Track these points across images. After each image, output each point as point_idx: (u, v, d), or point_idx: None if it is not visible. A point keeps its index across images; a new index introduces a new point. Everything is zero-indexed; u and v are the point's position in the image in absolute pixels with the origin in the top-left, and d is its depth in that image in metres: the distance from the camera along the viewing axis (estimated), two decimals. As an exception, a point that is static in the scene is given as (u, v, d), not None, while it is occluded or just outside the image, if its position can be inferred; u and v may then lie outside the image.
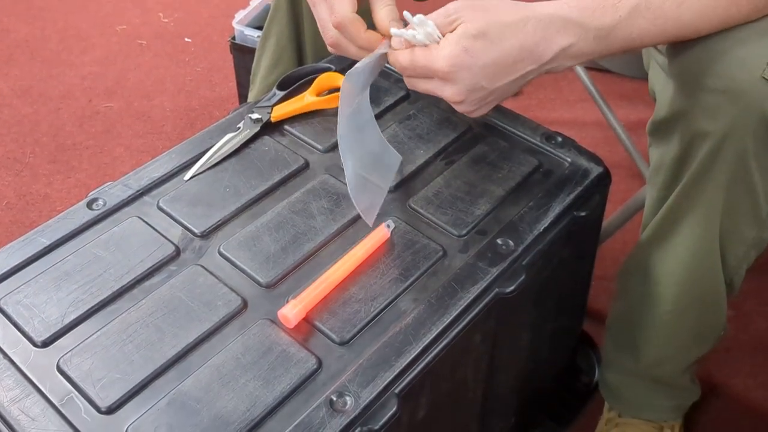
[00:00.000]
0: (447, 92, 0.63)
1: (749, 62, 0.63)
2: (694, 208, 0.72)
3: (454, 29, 0.60)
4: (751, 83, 0.62)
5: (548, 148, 0.80)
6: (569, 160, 0.78)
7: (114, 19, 1.74)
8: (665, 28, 0.63)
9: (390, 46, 0.65)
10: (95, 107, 1.50)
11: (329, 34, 0.67)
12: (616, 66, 1.48)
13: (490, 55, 0.60)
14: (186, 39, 1.69)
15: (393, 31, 0.64)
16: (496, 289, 0.67)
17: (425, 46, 0.62)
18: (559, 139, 0.80)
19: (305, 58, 0.98)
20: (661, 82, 0.72)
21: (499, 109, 0.85)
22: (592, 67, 1.47)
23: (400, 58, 0.64)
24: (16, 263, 0.69)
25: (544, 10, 0.61)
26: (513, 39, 0.60)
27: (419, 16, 0.61)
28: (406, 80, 0.66)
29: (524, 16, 0.60)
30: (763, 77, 0.62)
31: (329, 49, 0.69)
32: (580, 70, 1.33)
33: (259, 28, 1.34)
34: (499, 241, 0.70)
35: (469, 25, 0.60)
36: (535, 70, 0.62)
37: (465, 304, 0.65)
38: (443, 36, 0.61)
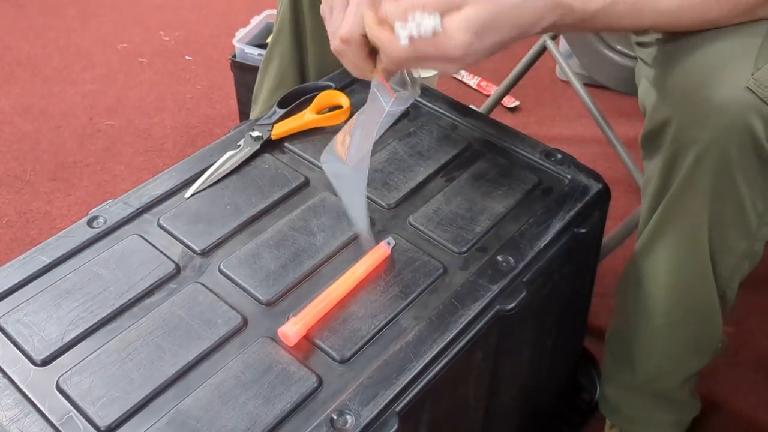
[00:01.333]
0: (449, 69, 0.63)
1: (734, 72, 0.63)
2: (681, 218, 0.72)
3: (462, 8, 0.60)
4: (735, 93, 0.63)
5: (548, 165, 0.80)
6: (569, 176, 0.79)
7: (115, 38, 1.75)
8: (643, 15, 0.65)
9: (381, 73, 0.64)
10: (96, 125, 1.51)
11: (336, 42, 0.67)
12: (615, 83, 1.48)
13: (493, 39, 0.61)
14: (187, 57, 1.70)
15: (398, 29, 0.61)
16: (497, 307, 0.67)
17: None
18: (559, 155, 0.81)
19: (308, 78, 0.99)
20: (650, 95, 0.73)
21: (498, 126, 0.85)
22: (591, 84, 1.47)
23: (415, 50, 0.61)
24: (16, 281, 0.68)
25: None
26: (514, 20, 0.61)
27: (426, 20, 0.60)
28: (396, 64, 0.64)
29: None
30: (748, 88, 0.63)
31: (333, 50, 0.68)
32: (579, 87, 1.34)
33: (260, 46, 1.35)
34: (499, 258, 0.70)
35: (479, 8, 0.59)
36: (517, 39, 0.64)
37: (466, 321, 0.65)
38: (443, 16, 0.60)
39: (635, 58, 0.83)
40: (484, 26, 0.60)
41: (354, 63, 0.67)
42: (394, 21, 0.61)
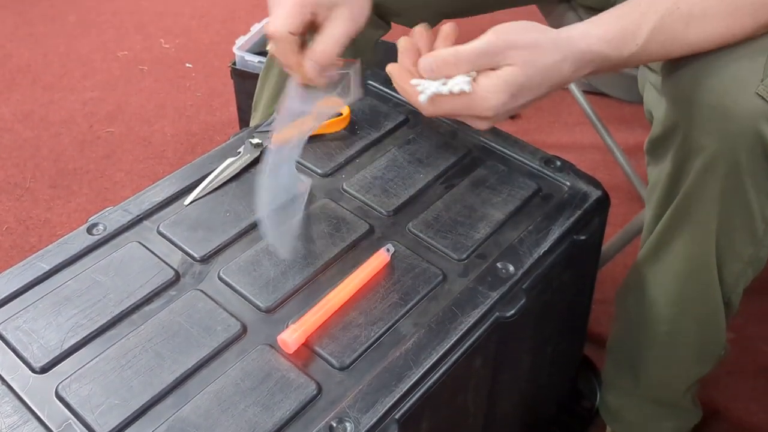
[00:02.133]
0: (480, 125, 0.63)
1: (743, 78, 0.64)
2: (689, 225, 0.72)
3: (499, 68, 0.60)
4: (745, 99, 0.63)
5: (547, 172, 0.80)
6: (568, 183, 0.79)
7: (115, 45, 1.76)
8: (672, 48, 0.65)
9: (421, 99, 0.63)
10: (96, 132, 1.51)
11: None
12: (614, 90, 1.48)
13: (530, 96, 0.62)
14: (187, 65, 1.70)
15: (422, 88, 0.61)
16: (497, 313, 0.67)
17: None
18: (558, 163, 0.81)
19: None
20: (656, 101, 0.73)
21: (498, 134, 0.85)
22: (590, 91, 1.48)
23: (442, 108, 0.62)
24: (16, 288, 0.68)
25: (577, 44, 0.62)
26: (552, 79, 0.62)
27: (459, 78, 0.60)
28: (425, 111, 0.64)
29: (563, 56, 0.61)
30: (757, 93, 0.63)
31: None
32: (578, 95, 1.34)
33: (260, 54, 1.36)
34: (499, 265, 0.70)
35: (517, 71, 0.60)
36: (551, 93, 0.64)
37: (465, 328, 0.65)
38: (478, 72, 0.60)
39: (635, 66, 0.84)
40: (521, 87, 0.60)
41: (286, 61, 0.67)
42: (423, 77, 0.61)
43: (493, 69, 0.61)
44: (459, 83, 0.60)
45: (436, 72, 0.61)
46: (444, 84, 0.61)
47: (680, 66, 0.67)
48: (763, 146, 0.64)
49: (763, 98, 0.63)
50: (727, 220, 0.70)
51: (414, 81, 0.62)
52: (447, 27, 0.67)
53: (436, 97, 0.61)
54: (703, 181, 0.68)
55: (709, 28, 0.64)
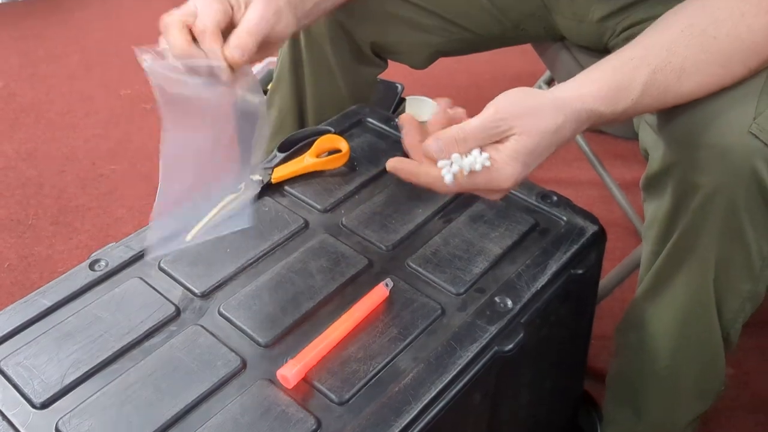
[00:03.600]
0: (493, 197, 0.65)
1: (737, 117, 0.65)
2: (688, 261, 0.73)
3: (506, 139, 0.62)
4: (739, 138, 0.64)
5: (544, 207, 0.81)
6: (565, 218, 0.79)
7: (119, 84, 1.78)
8: (665, 100, 0.67)
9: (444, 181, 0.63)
10: (98, 169, 1.52)
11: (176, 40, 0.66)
12: (609, 128, 1.50)
13: (540, 160, 0.64)
14: (189, 102, 1.72)
15: (443, 168, 0.62)
16: (495, 348, 0.67)
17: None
18: (555, 198, 0.82)
19: (307, 123, 1.01)
20: (651, 139, 0.74)
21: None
22: (587, 128, 1.49)
23: (463, 186, 0.63)
24: (17, 324, 0.69)
25: (574, 105, 0.64)
26: (556, 142, 0.64)
27: (475, 154, 0.61)
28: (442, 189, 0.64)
29: (564, 118, 0.63)
30: (751, 132, 0.64)
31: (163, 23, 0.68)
32: (574, 131, 1.35)
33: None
34: (497, 299, 0.71)
35: (525, 139, 0.61)
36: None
37: (464, 362, 0.65)
38: (488, 143, 0.62)
39: (630, 118, 0.85)
40: (530, 154, 0.62)
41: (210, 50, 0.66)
42: (438, 160, 0.62)
43: (499, 142, 0.62)
44: (480, 160, 0.61)
45: (445, 152, 0.62)
46: (467, 163, 0.61)
47: (675, 108, 0.69)
48: (758, 184, 0.65)
49: (756, 137, 0.64)
50: (725, 257, 0.71)
51: (440, 163, 0.62)
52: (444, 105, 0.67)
53: (456, 177, 0.62)
54: (701, 219, 0.69)
55: (701, 79, 0.66)
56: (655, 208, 0.74)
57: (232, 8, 0.68)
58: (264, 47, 0.69)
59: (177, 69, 0.65)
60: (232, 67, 0.66)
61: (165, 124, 0.66)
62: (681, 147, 0.69)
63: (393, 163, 0.66)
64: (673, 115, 0.69)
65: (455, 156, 0.61)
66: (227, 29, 0.67)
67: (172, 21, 0.66)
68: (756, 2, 0.65)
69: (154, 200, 1.51)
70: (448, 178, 0.62)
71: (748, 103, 0.66)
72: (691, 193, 0.68)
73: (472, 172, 0.62)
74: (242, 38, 0.66)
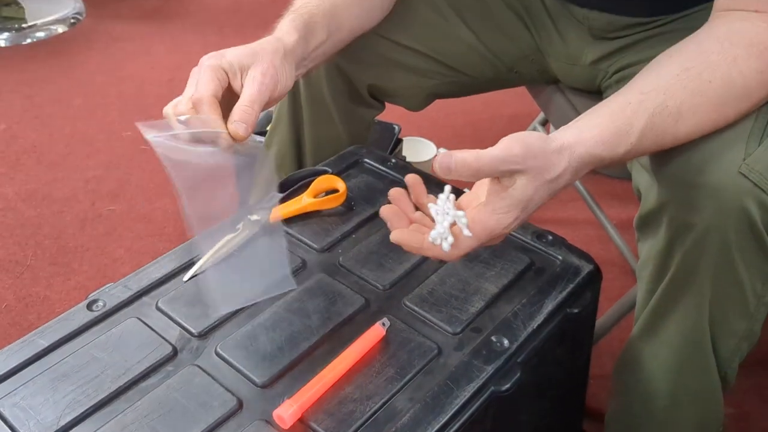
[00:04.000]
0: (496, 242, 0.66)
1: (727, 158, 0.66)
2: (683, 300, 0.73)
3: (510, 186, 0.62)
4: (729, 178, 0.65)
5: (539, 247, 0.82)
6: (560, 258, 0.80)
7: (120, 126, 1.80)
8: (663, 143, 0.68)
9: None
10: (98, 210, 1.53)
11: (180, 108, 0.69)
12: (604, 169, 1.52)
13: (537, 205, 0.65)
14: (189, 144, 1.74)
15: (438, 240, 0.63)
16: (492, 387, 0.67)
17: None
18: (550, 237, 0.83)
19: (305, 164, 1.02)
20: (644, 179, 0.75)
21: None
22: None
23: (465, 250, 0.64)
24: (14, 365, 0.69)
25: (577, 151, 0.65)
26: (555, 189, 0.65)
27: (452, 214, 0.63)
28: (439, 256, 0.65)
29: (567, 165, 0.64)
30: (740, 172, 0.65)
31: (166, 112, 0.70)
32: (570, 171, 1.37)
33: (260, 133, 1.39)
34: (493, 338, 0.71)
35: (527, 185, 0.62)
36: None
37: (461, 402, 0.65)
38: (498, 181, 0.63)
39: (629, 161, 0.86)
40: (530, 201, 0.63)
41: (211, 122, 0.68)
42: (432, 221, 0.64)
43: (503, 189, 0.63)
44: (462, 223, 0.63)
45: (454, 172, 0.61)
46: (444, 221, 0.63)
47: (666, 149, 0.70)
48: (749, 223, 0.66)
49: (746, 177, 0.65)
50: (720, 296, 0.72)
51: (432, 237, 0.63)
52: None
53: (454, 245, 0.63)
54: (695, 258, 0.70)
55: (697, 122, 0.67)
56: (649, 248, 0.75)
57: (228, 75, 0.70)
58: (265, 105, 0.72)
59: (180, 138, 0.67)
60: (236, 140, 0.68)
61: (177, 186, 0.69)
62: (673, 187, 0.70)
63: (397, 236, 0.65)
64: (665, 156, 0.71)
65: (438, 222, 0.63)
66: (226, 96, 0.70)
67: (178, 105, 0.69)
68: (746, 46, 0.67)
69: (152, 241, 1.51)
70: (445, 246, 0.63)
71: (737, 144, 0.67)
72: (685, 232, 0.69)
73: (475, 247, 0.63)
74: (245, 112, 0.68)
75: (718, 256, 0.68)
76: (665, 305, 0.76)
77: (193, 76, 0.70)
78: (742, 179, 0.65)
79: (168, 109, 0.70)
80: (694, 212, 0.68)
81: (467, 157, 0.61)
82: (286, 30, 0.77)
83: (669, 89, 0.67)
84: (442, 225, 0.63)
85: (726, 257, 0.68)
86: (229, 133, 0.68)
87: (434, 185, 0.91)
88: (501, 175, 0.62)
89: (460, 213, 0.63)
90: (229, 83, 0.71)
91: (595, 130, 0.66)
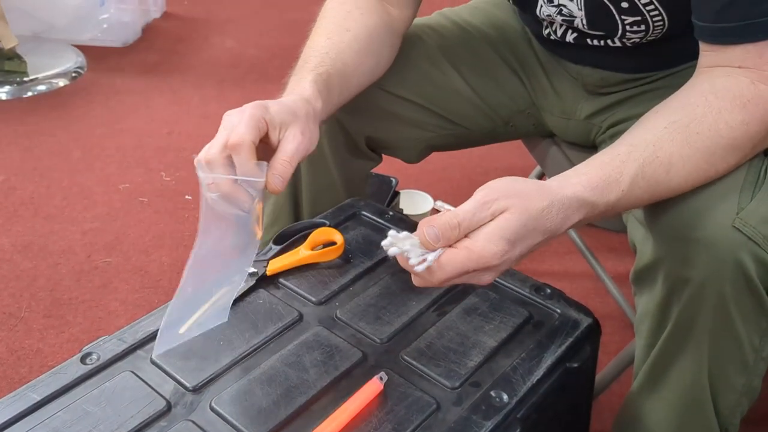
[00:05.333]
0: (485, 279, 0.64)
1: (720, 213, 0.67)
2: (681, 355, 0.73)
3: (494, 218, 0.62)
4: (723, 232, 0.66)
5: (538, 300, 0.81)
6: (559, 311, 0.80)
7: (117, 179, 1.81)
8: (656, 193, 0.68)
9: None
10: (93, 262, 1.53)
11: (212, 151, 0.69)
12: (601, 222, 1.53)
13: (527, 244, 0.64)
14: (186, 197, 1.75)
15: (413, 262, 0.63)
16: (491, 444, 0.66)
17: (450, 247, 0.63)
18: (548, 290, 0.82)
19: (302, 216, 1.02)
20: (639, 233, 0.76)
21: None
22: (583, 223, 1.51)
23: (448, 273, 0.62)
24: (5, 420, 0.67)
25: (563, 191, 0.65)
26: (543, 225, 0.64)
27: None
28: (428, 281, 0.64)
29: (550, 202, 0.64)
30: (734, 226, 0.65)
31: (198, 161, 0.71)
32: (567, 224, 1.37)
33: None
34: (492, 393, 0.70)
35: (509, 217, 0.62)
36: (547, 242, 0.66)
37: (460, 459, 0.64)
38: (478, 226, 0.62)
39: (623, 212, 0.87)
40: (516, 234, 0.62)
41: (242, 168, 0.69)
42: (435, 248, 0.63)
43: (487, 224, 0.62)
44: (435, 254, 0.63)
45: (443, 239, 0.62)
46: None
47: (660, 201, 0.70)
48: (744, 276, 0.66)
49: (739, 230, 0.66)
50: (718, 351, 0.71)
51: (412, 261, 0.63)
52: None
53: (438, 265, 0.63)
54: (692, 313, 0.70)
55: (688, 172, 0.68)
56: (646, 302, 0.75)
57: (267, 127, 0.71)
58: None
59: (220, 187, 0.69)
60: (271, 191, 0.70)
61: (202, 226, 0.70)
62: (669, 241, 0.70)
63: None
64: (659, 210, 0.71)
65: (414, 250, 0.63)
66: (259, 147, 0.71)
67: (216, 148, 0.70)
68: (730, 99, 0.68)
69: (147, 294, 1.50)
70: (421, 268, 0.62)
71: (730, 198, 0.68)
72: (681, 286, 0.69)
73: (453, 257, 0.62)
74: (284, 166, 0.70)
75: (715, 310, 0.68)
76: (664, 360, 0.75)
77: (229, 119, 0.71)
78: (736, 233, 0.66)
79: (201, 156, 0.70)
80: (690, 267, 0.68)
81: (446, 219, 0.62)
82: (311, 93, 0.78)
83: (658, 141, 0.68)
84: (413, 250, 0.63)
85: (723, 312, 0.68)
86: (266, 184, 0.69)
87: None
88: (484, 222, 0.62)
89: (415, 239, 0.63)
90: (267, 135, 0.71)
91: (582, 176, 0.67)
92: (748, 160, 0.71)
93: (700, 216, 0.67)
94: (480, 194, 0.63)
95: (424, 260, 0.63)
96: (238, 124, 0.69)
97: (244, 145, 0.68)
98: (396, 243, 0.64)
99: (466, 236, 0.63)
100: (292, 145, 0.71)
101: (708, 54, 0.72)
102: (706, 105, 0.68)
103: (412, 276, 0.65)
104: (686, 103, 0.70)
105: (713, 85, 0.70)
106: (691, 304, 0.69)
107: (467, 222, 0.62)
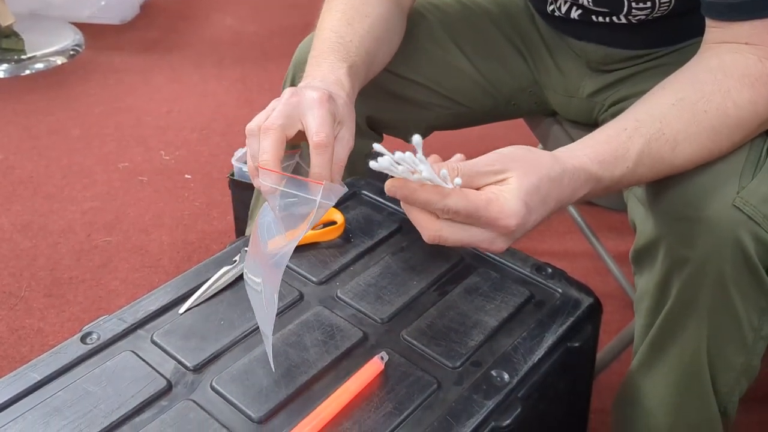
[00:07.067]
0: (497, 245, 0.61)
1: (721, 192, 0.66)
2: (680, 335, 0.73)
3: (504, 181, 0.60)
4: (723, 211, 0.65)
5: (539, 279, 0.81)
6: (560, 290, 0.79)
7: (117, 157, 1.80)
8: (660, 171, 0.68)
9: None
10: (93, 241, 1.52)
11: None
12: (602, 200, 1.52)
13: (541, 211, 0.62)
14: (186, 176, 1.74)
15: (426, 175, 0.58)
16: (492, 423, 0.66)
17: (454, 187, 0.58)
18: (549, 270, 0.82)
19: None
20: (639, 212, 0.75)
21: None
22: (586, 199, 1.51)
23: (453, 203, 0.58)
24: (5, 399, 0.68)
25: (571, 162, 0.64)
26: (555, 193, 0.62)
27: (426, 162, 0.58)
28: (431, 234, 0.60)
29: (561, 170, 0.62)
30: (734, 205, 0.65)
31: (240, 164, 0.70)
32: (568, 203, 1.37)
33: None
34: (493, 372, 0.70)
35: (524, 180, 0.59)
36: (549, 216, 0.64)
37: (460, 438, 0.64)
38: (481, 188, 0.60)
39: (627, 188, 0.86)
40: (532, 195, 0.60)
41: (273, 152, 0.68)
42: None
43: (500, 182, 0.60)
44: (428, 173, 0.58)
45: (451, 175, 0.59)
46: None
47: (661, 180, 0.70)
48: (744, 256, 0.66)
49: (740, 209, 0.65)
50: (717, 330, 0.71)
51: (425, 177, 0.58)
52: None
53: (452, 221, 0.59)
54: (691, 292, 0.69)
55: (693, 151, 0.67)
56: (646, 281, 0.75)
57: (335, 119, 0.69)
58: None
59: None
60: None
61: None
62: (669, 220, 0.70)
63: (391, 184, 0.61)
64: (659, 189, 0.71)
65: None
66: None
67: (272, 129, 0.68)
68: (738, 77, 0.67)
69: (148, 273, 1.50)
70: (458, 181, 0.58)
71: (731, 178, 0.67)
72: (680, 265, 0.69)
73: (476, 209, 0.58)
74: (336, 172, 0.70)
75: (715, 289, 0.68)
76: (663, 339, 0.75)
77: (307, 101, 0.68)
78: (736, 212, 0.65)
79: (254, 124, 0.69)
80: (690, 246, 0.68)
81: (446, 166, 0.59)
82: (350, 87, 0.75)
83: (664, 118, 0.67)
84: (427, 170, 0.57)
85: (722, 291, 0.68)
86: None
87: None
88: (485, 181, 0.60)
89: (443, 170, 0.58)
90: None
91: (588, 149, 0.66)
92: (750, 139, 0.70)
93: (701, 195, 0.67)
94: (492, 155, 0.61)
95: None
96: (317, 116, 0.67)
97: (328, 143, 0.67)
98: (405, 160, 0.58)
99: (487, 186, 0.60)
100: (345, 151, 0.70)
101: (714, 30, 0.71)
102: (714, 83, 0.67)
103: (425, 222, 0.60)
104: (694, 80, 0.69)
105: (722, 62, 0.69)
106: (690, 283, 0.69)
107: (467, 175, 0.59)
